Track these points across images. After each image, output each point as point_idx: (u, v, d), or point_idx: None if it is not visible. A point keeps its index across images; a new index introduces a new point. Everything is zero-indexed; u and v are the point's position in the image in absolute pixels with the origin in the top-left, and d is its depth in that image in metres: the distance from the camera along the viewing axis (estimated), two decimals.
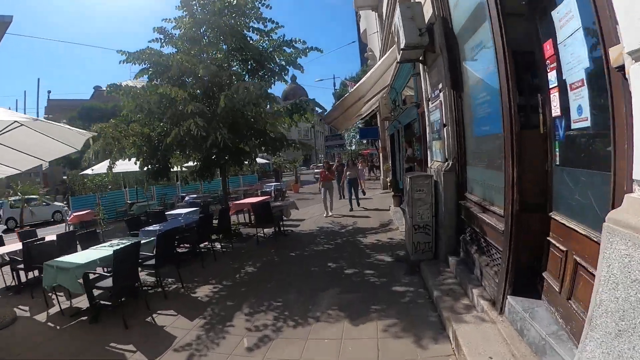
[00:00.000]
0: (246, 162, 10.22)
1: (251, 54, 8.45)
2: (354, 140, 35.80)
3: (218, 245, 8.61)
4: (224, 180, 9.67)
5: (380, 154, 18.52)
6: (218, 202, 13.83)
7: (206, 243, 7.79)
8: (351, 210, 11.99)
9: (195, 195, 17.55)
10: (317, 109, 9.61)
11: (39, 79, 55.29)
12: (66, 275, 4.97)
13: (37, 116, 36.71)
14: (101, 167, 11.98)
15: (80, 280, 5.00)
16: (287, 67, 8.82)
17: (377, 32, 14.92)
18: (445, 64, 4.86)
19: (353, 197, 12.53)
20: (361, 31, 22.73)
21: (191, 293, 5.74)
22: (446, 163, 4.90)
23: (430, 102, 5.67)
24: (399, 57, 5.79)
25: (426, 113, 5.85)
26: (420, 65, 6.05)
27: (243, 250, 8.14)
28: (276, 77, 8.77)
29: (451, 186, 4.79)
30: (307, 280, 5.73)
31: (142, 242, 6.32)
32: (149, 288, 6.11)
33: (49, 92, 34.79)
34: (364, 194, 14.83)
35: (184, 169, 10.76)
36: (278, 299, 5.06)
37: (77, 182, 16.86)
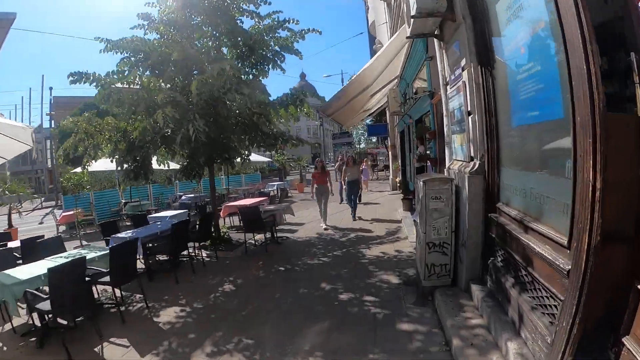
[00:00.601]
0: (238, 160, 9.20)
1: (242, 38, 7.40)
2: (362, 138, 34.49)
3: (204, 254, 7.62)
4: (211, 180, 8.61)
5: (390, 152, 17.31)
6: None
7: (190, 251, 6.86)
8: (354, 219, 9.95)
9: (192, 195, 16.59)
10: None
11: (43, 76, 54.67)
12: (6, 292, 4.21)
13: (42, 113, 36.29)
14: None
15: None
16: (282, 52, 7.73)
17: (386, 22, 13.76)
18: (469, 34, 3.70)
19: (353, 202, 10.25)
20: (369, 23, 21.55)
21: (154, 316, 4.81)
22: (472, 163, 3.72)
23: (448, 87, 4.50)
24: (409, 31, 4.64)
25: (443, 100, 4.68)
26: (436, 41, 4.88)
27: (228, 261, 7.09)
28: (270, 65, 7.70)
29: (478, 193, 3.62)
30: (291, 307, 4.62)
31: (96, 255, 5.42)
32: (111, 305, 5.20)
33: (51, 88, 34.06)
34: (360, 200, 11.98)
35: (177, 165, 9.71)
36: (251, 333, 4.03)
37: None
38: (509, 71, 3.19)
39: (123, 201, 16.30)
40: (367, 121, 23.54)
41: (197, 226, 7.02)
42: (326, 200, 9.48)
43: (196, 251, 7.23)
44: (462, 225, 3.84)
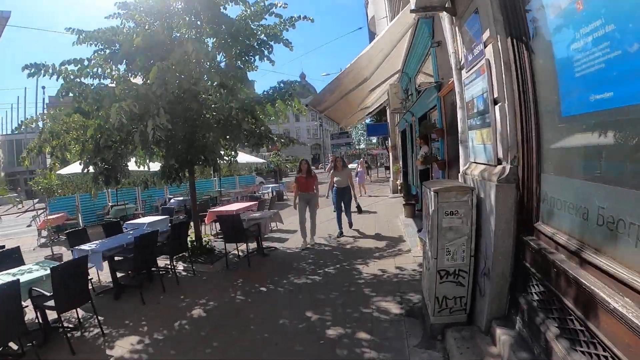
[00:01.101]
0: (223, 162, 8.33)
1: (225, 27, 6.51)
2: (362, 138, 33.48)
3: (180, 267, 6.78)
4: (191, 184, 7.72)
5: (390, 153, 16.41)
6: (203, 206, 11.66)
7: (166, 263, 6.06)
8: (341, 235, 8.11)
9: (181, 198, 15.71)
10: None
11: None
12: None
13: (36, 112, 35.40)
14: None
15: None
16: (270, 42, 6.82)
17: (387, 16, 12.88)
18: None
19: (343, 210, 8.34)
20: (369, 19, 20.68)
21: (108, 347, 4.06)
22: (499, 167, 2.81)
23: (464, 71, 3.60)
24: (413, 3, 3.75)
25: (457, 89, 3.78)
26: (446, 18, 3.98)
27: (205, 277, 6.21)
28: (257, 55, 6.80)
29: (509, 208, 2.70)
30: (266, 346, 3.71)
31: (44, 274, 4.60)
32: (67, 329, 4.46)
33: (44, 87, 33.47)
34: (360, 210, 10.34)
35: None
36: None
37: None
38: (555, 40, 2.29)
39: (110, 204, 15.48)
40: (367, 120, 22.67)
41: (169, 237, 6.11)
42: (313, 211, 7.71)
43: (173, 263, 6.36)
44: (485, 249, 2.94)
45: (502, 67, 2.73)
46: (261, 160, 21.04)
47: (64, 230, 12.37)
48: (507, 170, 2.67)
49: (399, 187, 13.54)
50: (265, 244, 7.87)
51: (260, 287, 5.35)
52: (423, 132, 6.39)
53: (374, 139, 36.96)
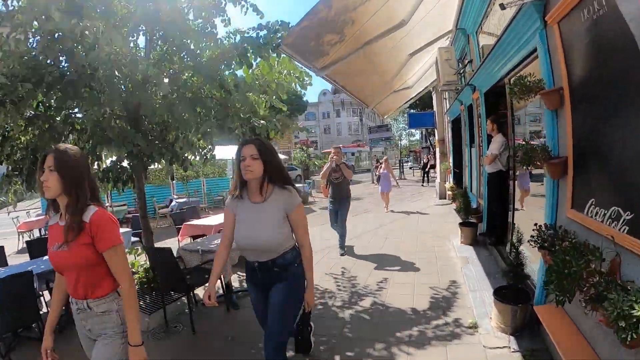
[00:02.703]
0: (196, 158, 5.86)
1: None
2: (404, 133, 29.86)
3: None
4: (140, 190, 5.31)
5: (437, 149, 13.27)
6: (185, 214, 8.86)
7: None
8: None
9: (185, 199, 13.53)
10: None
11: None
12: None
13: None
14: None
15: None
16: None
17: None
18: None
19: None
20: None
21: None
22: None
23: None
24: None
25: None
26: None
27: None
28: None
29: None
30: None
31: None
32: None
33: None
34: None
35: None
36: None
37: None
38: None
39: (107, 205, 13.63)
40: (411, 111, 19.41)
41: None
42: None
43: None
44: None
45: None
46: (282, 157, 18.52)
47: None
48: None
49: (449, 192, 10.45)
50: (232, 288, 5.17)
51: None
52: (517, 96, 3.13)
53: (417, 134, 33.30)
